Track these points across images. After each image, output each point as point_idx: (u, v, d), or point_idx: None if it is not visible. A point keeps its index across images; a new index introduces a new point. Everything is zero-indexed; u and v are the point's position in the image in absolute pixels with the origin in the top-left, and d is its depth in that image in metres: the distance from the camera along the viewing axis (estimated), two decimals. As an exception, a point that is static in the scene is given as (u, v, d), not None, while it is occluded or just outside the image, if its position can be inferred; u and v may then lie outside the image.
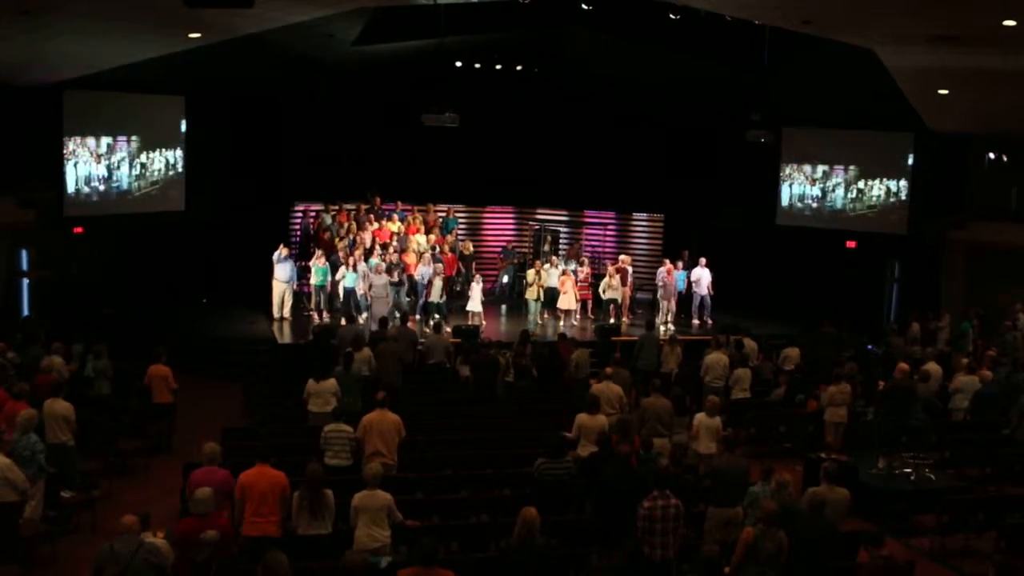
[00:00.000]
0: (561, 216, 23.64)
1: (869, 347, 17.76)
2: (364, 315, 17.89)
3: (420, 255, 19.32)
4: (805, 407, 14.05)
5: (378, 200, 20.94)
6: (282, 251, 18.13)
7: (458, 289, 19.90)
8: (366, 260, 18.31)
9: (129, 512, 7.84)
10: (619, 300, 19.36)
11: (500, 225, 23.98)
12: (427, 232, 20.64)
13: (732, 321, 18.18)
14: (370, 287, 17.66)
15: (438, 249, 19.78)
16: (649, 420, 11.12)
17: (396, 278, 18.20)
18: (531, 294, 19.05)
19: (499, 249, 22.85)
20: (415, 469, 10.45)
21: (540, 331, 18.39)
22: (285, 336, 17.44)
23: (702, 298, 19.66)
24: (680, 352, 15.61)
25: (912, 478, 11.32)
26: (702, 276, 19.64)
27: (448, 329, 17.28)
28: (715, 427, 11.05)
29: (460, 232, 22.04)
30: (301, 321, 18.34)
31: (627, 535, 8.37)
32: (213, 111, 19.79)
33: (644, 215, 23.64)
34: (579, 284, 19.26)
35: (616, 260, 20.43)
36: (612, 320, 19.19)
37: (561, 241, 22.58)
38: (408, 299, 18.71)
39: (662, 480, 8.35)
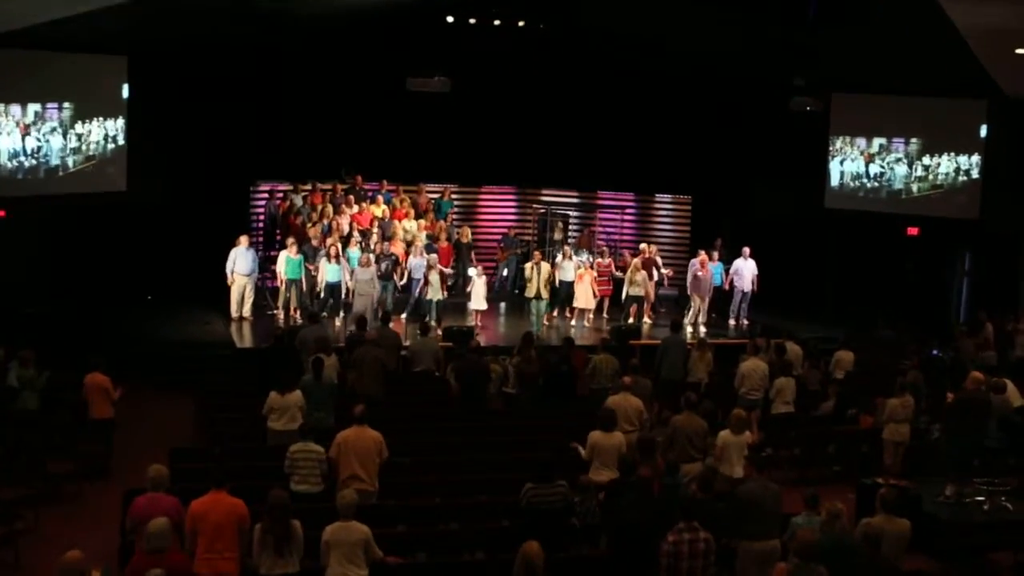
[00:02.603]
0: (571, 198, 23.69)
1: (935, 352, 17.73)
2: (341, 315, 18.00)
3: (410, 244, 19.41)
4: (858, 423, 14.15)
5: (359, 179, 21.11)
6: (241, 243, 18.25)
7: (450, 284, 19.92)
8: (343, 249, 18.40)
9: (59, 548, 7.86)
10: (643, 297, 19.49)
11: (499, 209, 24.00)
12: (417, 217, 20.70)
13: (772, 322, 18.31)
14: (354, 281, 17.82)
15: (425, 236, 19.88)
16: (679, 442, 11.14)
17: (383, 271, 18.26)
18: (531, 291, 19.08)
19: (498, 237, 22.89)
20: (398, 496, 10.43)
21: (546, 333, 18.50)
22: (245, 339, 17.44)
23: (743, 294, 19.78)
24: (711, 358, 15.65)
25: (985, 508, 11.27)
26: (745, 269, 19.82)
27: (438, 331, 17.33)
28: (742, 445, 11.07)
29: (455, 217, 22.10)
30: (264, 321, 18.38)
31: (649, 575, 8.35)
32: (161, 74, 19.62)
33: (668, 197, 23.62)
34: (599, 278, 19.43)
35: (637, 250, 20.54)
36: (632, 320, 19.33)
37: (571, 227, 22.69)
38: (396, 296, 18.83)
39: (689, 510, 8.37)
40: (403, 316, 18.58)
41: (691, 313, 19.47)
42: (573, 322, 19.30)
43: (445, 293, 18.65)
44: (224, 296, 18.52)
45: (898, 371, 15.04)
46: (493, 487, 10.84)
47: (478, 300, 18.53)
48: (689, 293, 19.74)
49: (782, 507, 9.39)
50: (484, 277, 18.83)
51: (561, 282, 19.38)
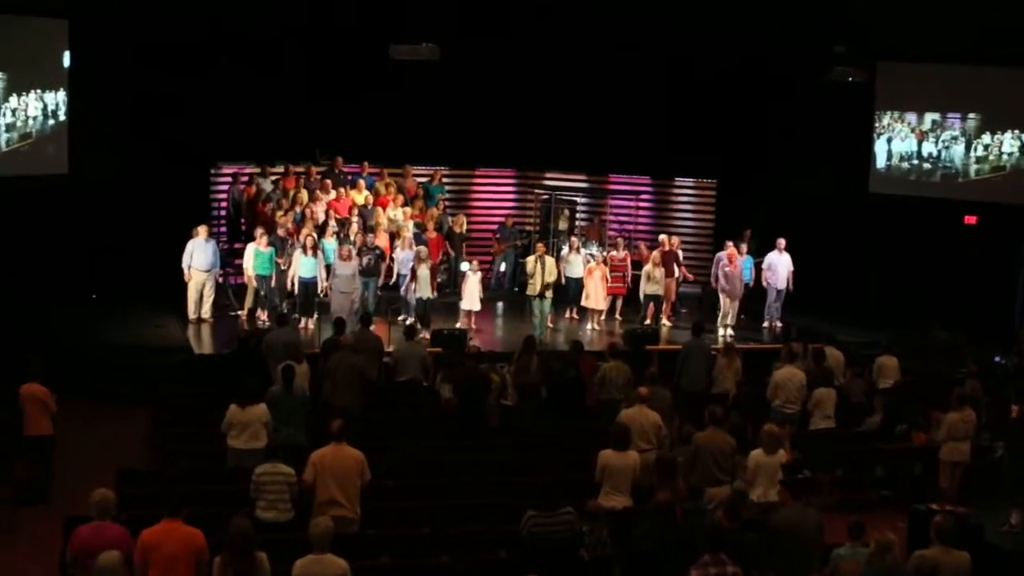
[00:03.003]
0: (578, 182, 23.67)
1: (997, 359, 17.80)
2: (315, 316, 17.98)
3: (395, 235, 19.37)
4: (910, 440, 14.08)
5: (338, 161, 21.12)
6: (200, 234, 18.26)
7: (441, 280, 19.99)
8: (318, 241, 18.44)
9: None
10: (661, 296, 19.52)
11: (496, 195, 24.01)
12: (404, 204, 20.67)
13: (810, 324, 18.34)
14: (332, 278, 17.84)
15: (411, 225, 19.83)
16: (703, 462, 11.12)
17: (364, 266, 18.26)
18: (532, 289, 19.05)
19: (494, 227, 22.81)
20: (380, 524, 10.40)
21: (550, 337, 18.53)
22: (204, 344, 17.45)
23: (777, 293, 19.88)
24: (739, 366, 15.66)
25: (1056, 538, 11.26)
26: (779, 264, 19.78)
27: (426, 335, 17.37)
28: (775, 466, 11.08)
29: (447, 203, 22.06)
30: (227, 324, 18.38)
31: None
32: (108, 40, 19.59)
33: (690, 181, 23.64)
34: (611, 275, 19.44)
35: (656, 242, 20.50)
36: (649, 322, 19.29)
37: (578, 216, 22.72)
38: (380, 295, 18.85)
39: (715, 539, 8.36)
40: (387, 317, 18.45)
41: (720, 314, 19.41)
42: (583, 325, 19.31)
43: (435, 291, 18.60)
44: (180, 294, 18.46)
45: (955, 380, 15.08)
46: (489, 514, 10.80)
47: (471, 299, 18.49)
48: (718, 292, 19.60)
49: (823, 537, 9.39)
50: (479, 273, 18.81)
51: (567, 279, 19.38)
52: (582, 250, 19.80)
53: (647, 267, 19.36)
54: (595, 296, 19.16)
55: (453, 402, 13.85)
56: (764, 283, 20.03)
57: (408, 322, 17.71)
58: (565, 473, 11.52)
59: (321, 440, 10.56)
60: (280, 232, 18.70)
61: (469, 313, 18.63)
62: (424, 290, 18.20)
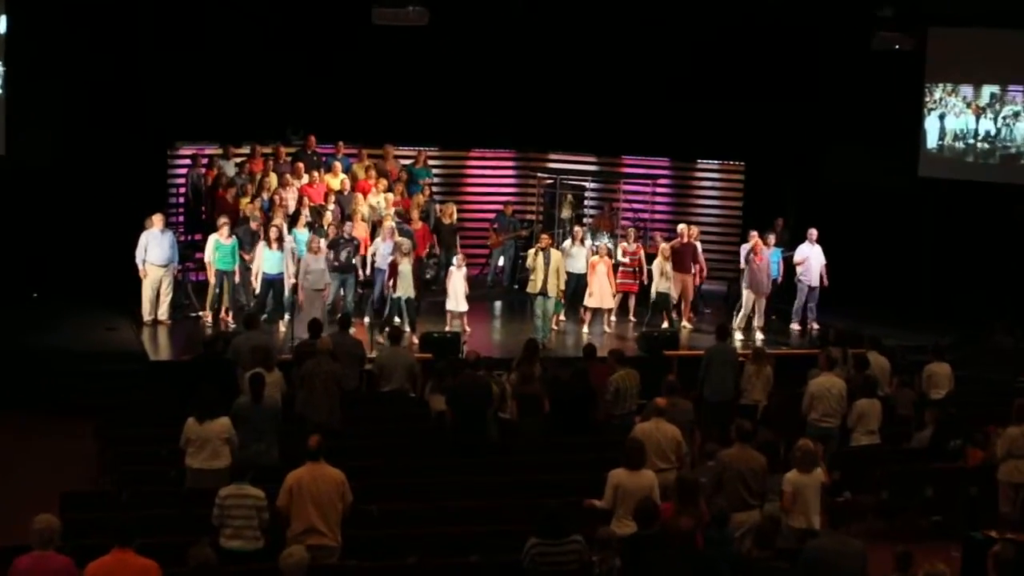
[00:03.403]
0: (586, 164, 23.65)
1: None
2: (287, 318, 17.97)
3: (376, 225, 19.30)
4: (965, 459, 14.00)
5: (311, 141, 21.03)
6: (155, 224, 18.21)
7: (429, 277, 19.98)
8: (290, 231, 18.44)
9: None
10: (673, 296, 19.37)
11: (492, 179, 24.04)
12: (386, 189, 20.58)
13: (851, 326, 18.21)
14: (303, 274, 17.79)
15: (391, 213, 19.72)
16: (729, 484, 11.07)
17: (342, 260, 18.25)
18: (534, 286, 18.98)
19: (491, 216, 22.80)
20: (362, 555, 10.37)
21: (555, 342, 18.43)
22: (161, 350, 17.48)
23: (810, 291, 19.80)
24: (770, 374, 15.60)
25: None
26: (811, 257, 19.74)
27: (414, 339, 17.43)
28: (814, 488, 11.07)
29: (435, 189, 21.97)
30: (186, 326, 18.44)
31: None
32: (50, 3, 19.56)
33: (715, 164, 23.76)
34: (622, 270, 19.41)
35: (674, 233, 20.31)
36: (665, 324, 19.25)
37: (587, 203, 22.62)
38: (359, 293, 18.85)
39: (743, 572, 8.49)
40: (367, 319, 18.56)
41: (742, 315, 19.45)
42: (586, 328, 19.34)
43: (418, 291, 18.45)
44: (134, 293, 18.42)
45: (1017, 390, 15.09)
46: (486, 543, 10.74)
47: (455, 298, 18.45)
48: (742, 288, 19.59)
49: (865, 569, 9.33)
50: (464, 269, 18.71)
51: (569, 274, 19.27)
52: (587, 241, 19.85)
53: (657, 260, 19.38)
54: (599, 293, 19.14)
55: (448, 415, 13.79)
56: (796, 279, 20.04)
57: (394, 323, 17.67)
58: (573, 496, 11.38)
59: (296, 459, 10.55)
60: (252, 224, 18.59)
61: (458, 315, 18.56)
62: (406, 288, 18.06)
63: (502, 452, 13.80)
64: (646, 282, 19.79)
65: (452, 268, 18.72)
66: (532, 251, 19.19)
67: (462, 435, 13.50)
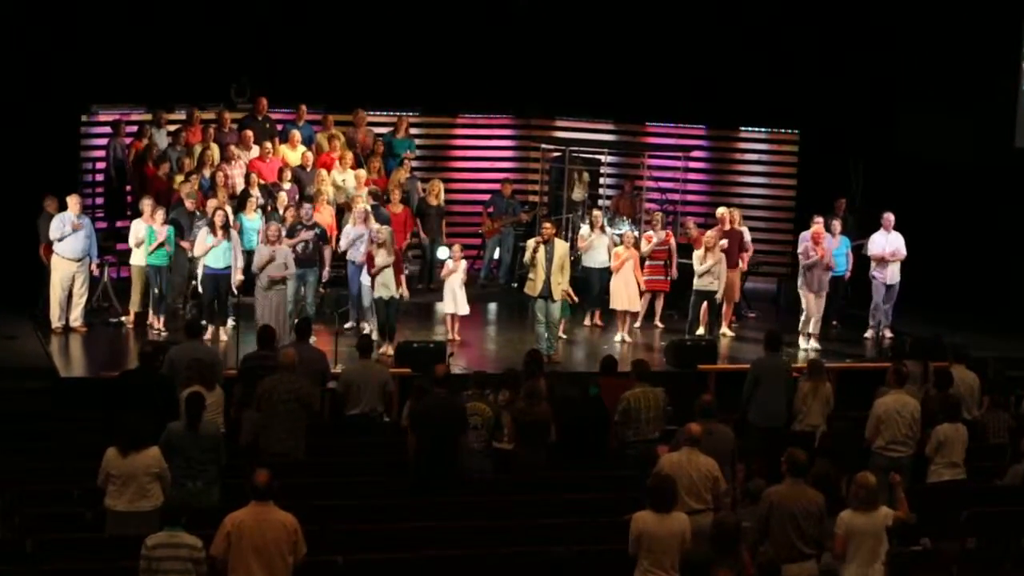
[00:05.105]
0: (603, 133, 23.52)
1: None
2: (231, 323, 18.05)
3: (344, 209, 19.41)
4: (1071, 499, 13.16)
5: (262, 104, 20.77)
6: (70, 209, 18.09)
7: (410, 273, 19.97)
8: (236, 216, 18.31)
9: None
10: (720, 295, 19.33)
11: (487, 152, 24.24)
12: (358, 165, 20.53)
13: (929, 333, 18.23)
14: (256, 269, 17.72)
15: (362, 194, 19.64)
16: (779, 528, 11.12)
17: (301, 251, 18.19)
18: (533, 287, 18.66)
19: (485, 197, 23.00)
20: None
21: (563, 353, 18.47)
22: (75, 364, 17.72)
23: (887, 289, 19.81)
24: (830, 393, 15.62)
25: None
26: (888, 248, 19.67)
27: (389, 350, 17.18)
28: (877, 533, 11.09)
29: (417, 165, 21.90)
30: (106, 335, 18.65)
31: None
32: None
33: (762, 133, 23.94)
34: (649, 264, 19.28)
35: (713, 218, 20.28)
36: (702, 331, 19.05)
37: (604, 181, 22.18)
38: (323, 292, 19.00)
39: None
40: (347, 325, 18.64)
41: (815, 320, 19.43)
42: (609, 335, 19.17)
43: (403, 288, 18.34)
44: (39, 293, 18.53)
45: None
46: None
47: (453, 299, 18.50)
48: (798, 287, 19.69)
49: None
50: (463, 262, 18.74)
51: (587, 269, 19.32)
52: (608, 229, 19.49)
53: (698, 252, 19.14)
54: (625, 294, 19.08)
55: (412, 444, 13.85)
56: (870, 276, 19.89)
57: (364, 332, 17.75)
58: (588, 543, 11.74)
59: (239, 500, 10.67)
60: (188, 205, 18.63)
61: (454, 318, 18.67)
62: (385, 287, 17.95)
63: (497, 489, 13.95)
64: (677, 279, 19.65)
65: (448, 262, 18.69)
66: (531, 243, 18.90)
67: (424, 468, 13.69)
